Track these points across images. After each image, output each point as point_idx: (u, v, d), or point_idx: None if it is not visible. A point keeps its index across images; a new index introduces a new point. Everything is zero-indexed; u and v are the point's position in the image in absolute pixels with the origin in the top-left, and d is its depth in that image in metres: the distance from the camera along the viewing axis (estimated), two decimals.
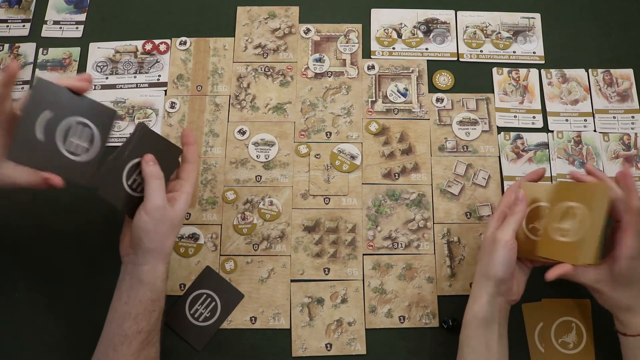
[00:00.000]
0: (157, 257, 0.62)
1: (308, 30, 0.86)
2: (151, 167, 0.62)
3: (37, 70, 0.84)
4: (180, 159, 0.68)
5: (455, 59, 0.85)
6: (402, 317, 0.73)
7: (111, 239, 0.76)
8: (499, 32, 0.87)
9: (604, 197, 0.59)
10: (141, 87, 0.83)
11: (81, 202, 0.77)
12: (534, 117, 0.82)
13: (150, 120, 0.81)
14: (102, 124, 0.61)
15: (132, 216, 0.62)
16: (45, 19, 0.88)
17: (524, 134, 0.81)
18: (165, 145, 0.67)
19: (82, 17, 0.88)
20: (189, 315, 0.72)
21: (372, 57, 0.85)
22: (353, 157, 0.79)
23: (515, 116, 0.82)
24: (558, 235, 0.62)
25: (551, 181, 0.79)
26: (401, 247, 0.76)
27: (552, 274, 0.60)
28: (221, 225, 0.77)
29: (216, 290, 0.73)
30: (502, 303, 0.63)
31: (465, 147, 0.80)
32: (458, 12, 0.88)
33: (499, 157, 0.80)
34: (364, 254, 0.75)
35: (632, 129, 0.82)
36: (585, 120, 0.82)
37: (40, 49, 0.86)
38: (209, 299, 0.73)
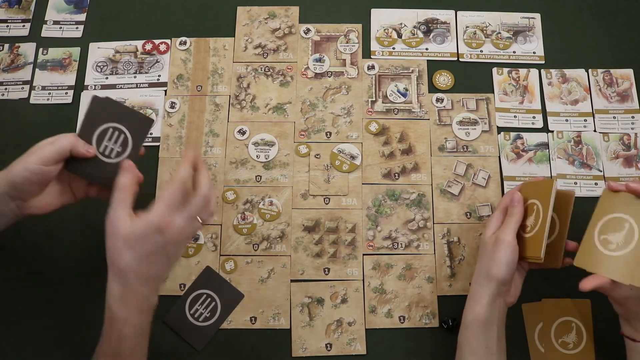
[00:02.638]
0: (112, 274, 0.55)
1: (308, 30, 0.86)
2: (122, 178, 0.58)
3: (37, 70, 0.84)
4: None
5: (455, 59, 0.85)
6: (402, 317, 0.73)
7: None
8: (499, 32, 0.87)
9: (550, 190, 0.62)
10: (141, 87, 0.83)
11: (81, 202, 0.77)
12: (534, 117, 0.82)
13: None
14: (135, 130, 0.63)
15: (110, 185, 0.59)
16: (45, 19, 0.88)
17: (524, 134, 0.81)
18: (128, 113, 0.64)
19: (82, 17, 0.88)
20: (188, 315, 0.72)
21: (372, 57, 0.85)
22: (353, 157, 0.79)
23: (515, 116, 0.82)
24: (524, 232, 0.65)
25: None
26: (401, 247, 0.76)
27: (588, 285, 0.58)
28: (221, 225, 0.77)
29: (216, 290, 0.73)
30: (501, 304, 0.63)
31: (465, 147, 0.80)
32: (458, 12, 0.88)
33: (499, 157, 0.80)
34: (364, 254, 0.75)
35: (632, 129, 0.82)
36: (585, 120, 0.82)
37: (40, 49, 0.86)
38: (209, 299, 0.73)
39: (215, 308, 0.73)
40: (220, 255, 0.75)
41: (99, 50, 0.86)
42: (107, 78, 0.84)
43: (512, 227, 0.63)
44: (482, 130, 0.81)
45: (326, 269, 0.75)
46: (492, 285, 0.62)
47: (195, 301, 0.73)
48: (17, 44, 0.86)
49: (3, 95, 0.83)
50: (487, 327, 0.62)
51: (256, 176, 0.79)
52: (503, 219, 0.66)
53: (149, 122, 0.64)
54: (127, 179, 0.58)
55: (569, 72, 0.84)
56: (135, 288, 0.55)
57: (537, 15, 0.88)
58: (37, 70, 0.84)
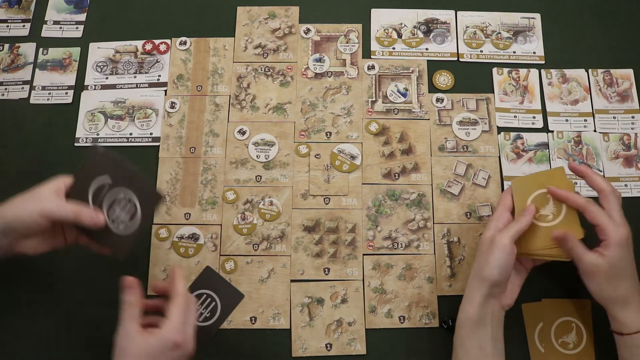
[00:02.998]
0: None
1: (308, 30, 0.86)
2: (128, 296, 0.58)
3: (37, 70, 0.84)
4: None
5: (455, 59, 0.85)
6: (402, 317, 0.73)
7: None
8: (499, 32, 0.87)
9: (563, 176, 0.65)
10: (141, 87, 0.83)
11: None
12: (534, 117, 0.82)
13: (151, 120, 0.81)
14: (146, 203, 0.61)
15: (121, 256, 0.61)
16: (45, 19, 0.88)
17: (524, 134, 0.81)
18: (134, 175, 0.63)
19: (82, 17, 0.88)
20: None
21: (372, 57, 0.85)
22: (353, 157, 0.79)
23: (515, 116, 0.82)
24: (543, 222, 0.64)
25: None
26: (401, 247, 0.76)
27: (558, 232, 0.62)
28: (221, 225, 0.77)
29: (216, 290, 0.73)
30: (494, 306, 0.63)
31: (465, 147, 0.80)
32: (458, 12, 0.88)
33: (499, 157, 0.80)
34: (364, 254, 0.75)
35: (632, 129, 0.82)
36: (585, 120, 0.82)
37: (40, 49, 0.86)
38: (209, 299, 0.73)
39: (215, 308, 0.73)
40: (220, 255, 0.75)
41: (99, 50, 0.86)
42: (107, 78, 0.84)
43: (512, 231, 0.62)
44: (482, 130, 0.81)
45: (326, 269, 0.75)
46: (484, 286, 0.62)
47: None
48: (17, 44, 0.86)
49: (3, 95, 0.83)
50: (480, 327, 0.62)
51: (256, 176, 0.79)
52: (505, 218, 0.65)
53: (158, 198, 0.63)
54: (135, 296, 0.58)
55: (569, 72, 0.84)
56: None
57: (537, 15, 0.88)
58: (37, 70, 0.84)
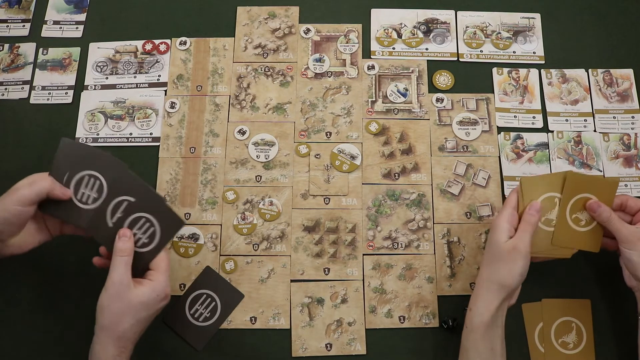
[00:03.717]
0: (108, 337, 0.58)
1: (308, 30, 0.86)
2: (120, 243, 0.60)
3: (37, 70, 0.84)
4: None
5: (455, 59, 0.85)
6: (402, 317, 0.73)
7: None
8: (499, 32, 0.87)
9: (613, 189, 0.66)
10: (141, 87, 0.83)
11: None
12: (534, 117, 0.82)
13: (151, 120, 0.81)
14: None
15: (84, 226, 0.63)
16: (45, 19, 0.88)
17: (524, 134, 0.81)
18: (102, 159, 0.64)
19: (82, 17, 0.88)
20: (188, 315, 0.72)
21: (372, 57, 0.85)
22: (353, 157, 0.79)
23: (515, 116, 0.82)
24: (575, 224, 0.66)
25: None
26: (401, 247, 0.76)
27: (593, 203, 0.65)
28: (221, 225, 0.77)
29: (216, 290, 0.73)
30: (504, 306, 0.64)
31: (465, 147, 0.80)
32: (458, 12, 0.88)
33: (499, 157, 0.80)
34: (364, 254, 0.75)
35: (632, 129, 0.82)
36: (585, 120, 0.82)
37: (40, 49, 0.86)
38: (209, 299, 0.73)
39: (215, 308, 0.73)
40: (220, 255, 0.75)
41: (99, 50, 0.86)
42: (107, 78, 0.84)
43: (529, 235, 0.62)
44: (482, 130, 0.81)
45: (326, 269, 0.75)
46: (504, 292, 0.62)
47: (195, 301, 0.73)
48: (17, 44, 0.86)
49: (3, 95, 0.83)
50: (493, 329, 0.62)
51: (256, 176, 0.79)
52: (515, 220, 0.64)
53: (122, 167, 0.63)
54: (129, 244, 0.61)
55: (569, 72, 0.84)
56: (129, 349, 0.60)
57: (537, 15, 0.88)
58: (37, 70, 0.84)
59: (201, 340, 0.71)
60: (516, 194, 0.66)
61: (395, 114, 0.82)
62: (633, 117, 0.82)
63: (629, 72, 0.85)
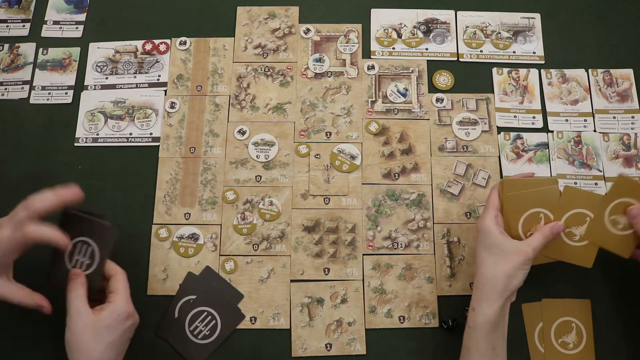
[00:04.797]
0: None
1: (308, 30, 0.86)
2: (71, 282, 0.61)
3: (36, 70, 0.84)
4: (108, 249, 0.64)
5: (455, 59, 0.85)
6: (402, 317, 0.73)
7: None
8: (499, 32, 0.87)
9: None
10: (141, 87, 0.83)
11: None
12: (533, 117, 0.82)
13: (151, 120, 0.81)
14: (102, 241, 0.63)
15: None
16: (45, 19, 0.88)
17: (524, 134, 0.81)
18: (91, 225, 0.63)
19: (82, 17, 0.88)
20: (188, 332, 0.71)
21: (372, 57, 0.85)
22: (353, 157, 0.79)
23: (515, 116, 0.82)
24: (613, 226, 0.66)
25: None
26: (401, 247, 0.76)
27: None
28: (221, 225, 0.77)
29: (216, 307, 0.72)
30: (507, 305, 0.64)
31: (465, 147, 0.80)
32: (458, 12, 0.88)
33: (499, 157, 0.80)
34: (363, 254, 0.75)
35: (632, 129, 0.82)
36: (585, 120, 0.82)
37: (40, 49, 0.86)
38: (209, 317, 0.72)
39: (215, 327, 0.72)
40: (220, 255, 0.75)
41: (98, 50, 0.86)
42: (107, 78, 0.84)
43: (542, 244, 0.63)
44: (482, 130, 0.81)
45: (326, 269, 0.75)
46: (508, 292, 0.62)
47: (195, 318, 0.72)
48: (17, 44, 0.86)
49: (3, 95, 0.83)
50: (496, 328, 0.62)
51: (256, 176, 0.79)
52: (500, 220, 0.65)
53: (112, 233, 0.63)
54: (81, 282, 0.61)
55: (569, 72, 0.84)
56: None
57: (537, 15, 0.88)
58: (37, 70, 0.84)
59: (197, 358, 0.70)
60: (497, 193, 0.66)
61: (395, 114, 0.82)
62: (633, 117, 0.82)
63: (629, 72, 0.85)
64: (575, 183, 0.78)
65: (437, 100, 0.82)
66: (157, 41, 0.86)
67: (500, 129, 0.81)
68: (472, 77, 0.84)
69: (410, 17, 0.87)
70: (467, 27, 0.87)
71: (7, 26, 0.87)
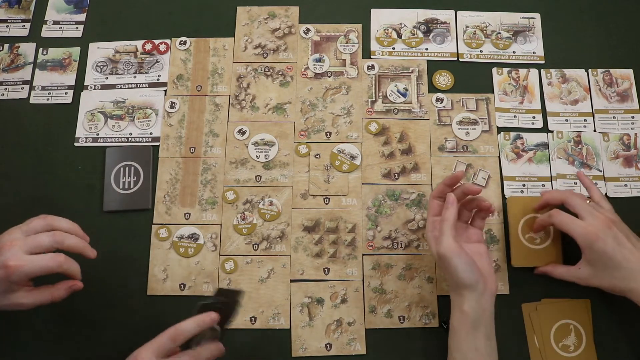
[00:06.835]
0: None
1: (308, 30, 0.86)
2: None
3: (36, 70, 0.84)
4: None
5: (455, 59, 0.85)
6: (402, 317, 0.73)
7: (113, 239, 0.76)
8: (499, 32, 0.87)
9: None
10: (141, 87, 0.83)
11: (81, 204, 0.77)
12: (533, 117, 0.82)
13: (151, 120, 0.81)
14: None
15: None
16: (45, 19, 0.88)
17: (523, 134, 0.81)
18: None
19: (82, 17, 0.88)
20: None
21: (372, 57, 0.85)
22: (353, 157, 0.79)
23: (515, 116, 0.82)
24: (532, 244, 0.72)
25: (550, 181, 0.79)
26: (401, 247, 0.76)
27: (538, 271, 0.72)
28: (221, 225, 0.77)
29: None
30: (485, 302, 0.62)
31: (465, 147, 0.80)
32: (458, 12, 0.88)
33: (499, 157, 0.80)
34: (363, 254, 0.75)
35: (632, 129, 0.82)
36: (585, 120, 0.82)
37: (40, 49, 0.86)
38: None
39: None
40: (220, 255, 0.75)
41: (98, 50, 0.86)
42: (107, 78, 0.84)
43: (447, 232, 0.62)
44: (482, 130, 0.81)
45: (326, 269, 0.75)
46: (466, 292, 0.62)
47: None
48: (17, 44, 0.86)
49: (3, 95, 0.83)
50: (475, 329, 0.61)
51: (256, 176, 0.79)
52: (437, 224, 0.66)
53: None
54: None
55: (569, 72, 0.84)
56: None
57: (537, 15, 0.88)
58: (37, 70, 0.84)
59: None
60: (435, 202, 0.67)
61: (395, 114, 0.82)
62: (633, 117, 0.82)
63: (629, 72, 0.85)
64: (575, 183, 0.78)
65: (437, 100, 0.82)
66: (157, 41, 0.86)
67: (500, 129, 0.81)
68: (472, 77, 0.84)
69: (410, 17, 0.87)
70: (467, 27, 0.87)
71: (7, 26, 0.87)
